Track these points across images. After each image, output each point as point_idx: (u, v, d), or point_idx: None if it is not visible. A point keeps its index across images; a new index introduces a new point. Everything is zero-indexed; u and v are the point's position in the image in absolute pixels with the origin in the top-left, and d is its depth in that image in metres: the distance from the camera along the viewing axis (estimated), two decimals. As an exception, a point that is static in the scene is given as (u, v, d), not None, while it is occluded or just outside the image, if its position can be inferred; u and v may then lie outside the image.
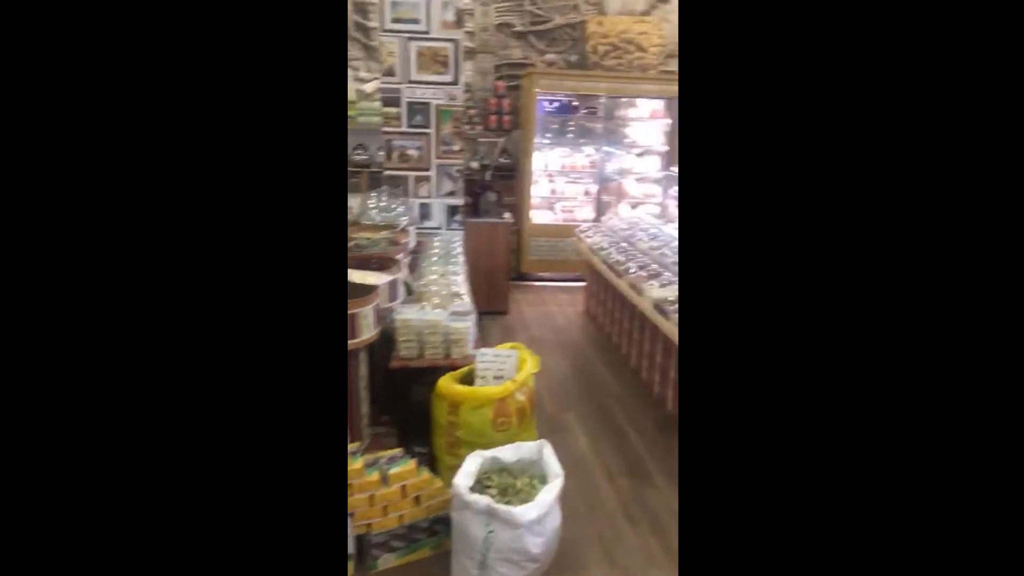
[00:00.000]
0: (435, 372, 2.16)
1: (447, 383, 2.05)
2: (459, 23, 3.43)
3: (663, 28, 5.15)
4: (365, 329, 1.99)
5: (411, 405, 2.30)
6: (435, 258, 3.06)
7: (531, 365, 2.15)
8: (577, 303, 4.50)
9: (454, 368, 2.17)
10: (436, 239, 3.43)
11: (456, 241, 3.47)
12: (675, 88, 5.01)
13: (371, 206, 3.24)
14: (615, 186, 5.23)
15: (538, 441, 1.90)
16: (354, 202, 3.30)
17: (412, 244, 3.13)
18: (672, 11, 5.30)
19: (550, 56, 5.16)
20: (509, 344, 2.26)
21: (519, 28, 5.16)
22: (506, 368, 2.13)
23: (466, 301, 2.49)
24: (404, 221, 3.13)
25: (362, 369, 2.08)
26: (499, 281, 4.18)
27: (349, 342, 1.90)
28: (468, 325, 2.25)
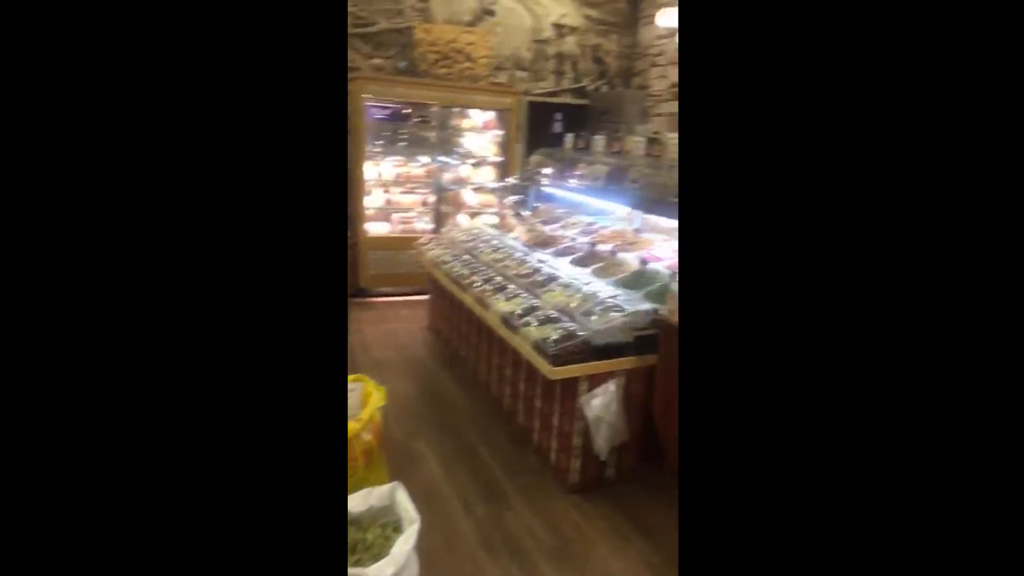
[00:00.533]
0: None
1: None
2: (273, 19, 3.09)
3: (490, 40, 5.21)
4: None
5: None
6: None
7: (377, 398, 1.95)
8: (421, 318, 4.34)
9: (286, 410, 1.90)
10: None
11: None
12: (507, 100, 5.10)
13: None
14: (453, 196, 5.17)
15: (390, 484, 1.72)
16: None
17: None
18: (498, 23, 5.40)
19: (377, 61, 4.94)
20: (352, 376, 2.04)
21: (342, 30, 4.86)
22: (349, 404, 1.91)
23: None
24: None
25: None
26: (335, 300, 3.86)
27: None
28: (301, 359, 1.99)
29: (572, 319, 2.40)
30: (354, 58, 4.91)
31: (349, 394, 1.93)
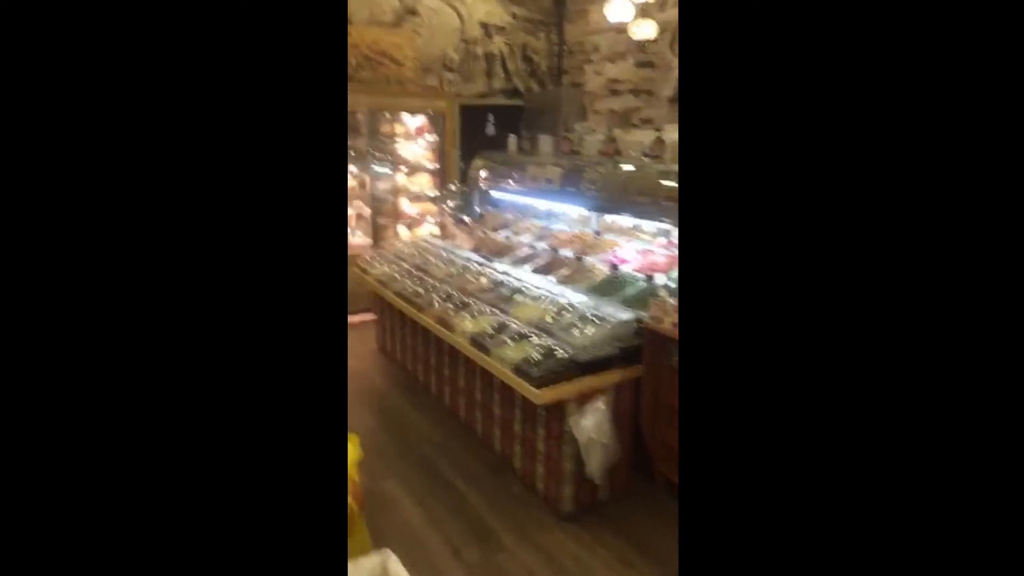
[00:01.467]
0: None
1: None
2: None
3: (415, 40, 4.96)
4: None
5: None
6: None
7: (352, 452, 1.70)
8: (368, 340, 4.03)
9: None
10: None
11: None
12: (440, 103, 4.87)
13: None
14: (389, 207, 4.88)
15: (379, 554, 1.48)
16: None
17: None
18: (421, 24, 5.15)
19: (296, 67, 4.57)
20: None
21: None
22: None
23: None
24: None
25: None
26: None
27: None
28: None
29: (550, 334, 2.23)
30: (269, 64, 4.52)
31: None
